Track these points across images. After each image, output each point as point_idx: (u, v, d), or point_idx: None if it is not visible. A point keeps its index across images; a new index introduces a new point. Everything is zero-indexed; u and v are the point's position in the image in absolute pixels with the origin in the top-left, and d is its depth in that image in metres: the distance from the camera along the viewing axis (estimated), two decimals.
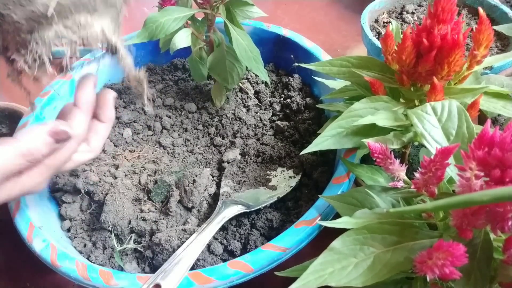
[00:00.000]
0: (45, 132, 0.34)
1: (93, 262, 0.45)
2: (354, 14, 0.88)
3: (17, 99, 0.69)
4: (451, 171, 0.27)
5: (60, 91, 0.58)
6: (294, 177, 0.51)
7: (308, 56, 0.61)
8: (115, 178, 0.51)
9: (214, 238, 0.46)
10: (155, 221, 0.47)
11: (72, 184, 0.50)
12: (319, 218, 0.40)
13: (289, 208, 0.49)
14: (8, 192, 0.35)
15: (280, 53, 0.66)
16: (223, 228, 0.47)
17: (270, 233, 0.46)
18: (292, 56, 0.64)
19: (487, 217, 0.22)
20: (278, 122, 0.59)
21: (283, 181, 0.51)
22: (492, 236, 0.24)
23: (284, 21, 0.91)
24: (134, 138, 0.59)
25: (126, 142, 0.58)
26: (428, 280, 0.22)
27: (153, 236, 0.44)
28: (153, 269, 0.45)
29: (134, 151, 0.55)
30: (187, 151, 0.57)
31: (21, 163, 0.33)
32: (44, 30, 0.31)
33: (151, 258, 0.45)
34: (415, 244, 0.26)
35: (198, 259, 0.43)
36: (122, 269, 0.45)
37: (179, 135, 0.59)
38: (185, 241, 0.42)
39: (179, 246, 0.42)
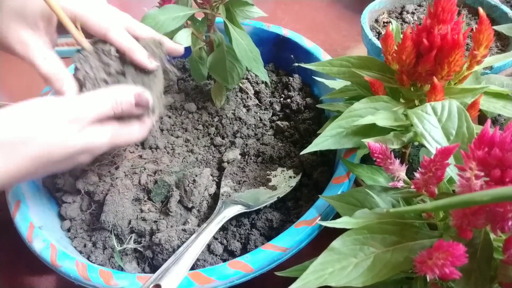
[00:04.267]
0: (133, 92, 0.40)
1: (93, 262, 0.45)
2: (354, 14, 0.88)
3: (17, 99, 0.69)
4: (451, 171, 0.27)
5: None
6: (294, 177, 0.51)
7: (308, 56, 0.61)
8: (115, 178, 0.51)
9: (214, 238, 0.46)
10: (155, 221, 0.47)
11: (72, 184, 0.50)
12: (319, 218, 0.40)
13: (289, 208, 0.49)
14: (105, 135, 0.40)
15: (280, 53, 0.66)
16: (223, 228, 0.47)
17: (270, 233, 0.46)
18: (292, 56, 0.64)
19: (487, 217, 0.22)
20: (278, 122, 0.59)
21: (283, 181, 0.51)
22: (492, 236, 0.24)
23: (284, 21, 0.91)
24: None
25: None
26: (428, 280, 0.22)
27: (153, 236, 0.44)
28: (153, 269, 0.45)
29: (134, 152, 0.55)
30: (187, 151, 0.57)
31: (109, 108, 0.39)
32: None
33: (151, 258, 0.45)
34: (415, 244, 0.26)
35: (198, 259, 0.43)
36: (122, 269, 0.45)
37: (179, 135, 0.59)
38: (185, 241, 0.42)
39: (179, 246, 0.42)
